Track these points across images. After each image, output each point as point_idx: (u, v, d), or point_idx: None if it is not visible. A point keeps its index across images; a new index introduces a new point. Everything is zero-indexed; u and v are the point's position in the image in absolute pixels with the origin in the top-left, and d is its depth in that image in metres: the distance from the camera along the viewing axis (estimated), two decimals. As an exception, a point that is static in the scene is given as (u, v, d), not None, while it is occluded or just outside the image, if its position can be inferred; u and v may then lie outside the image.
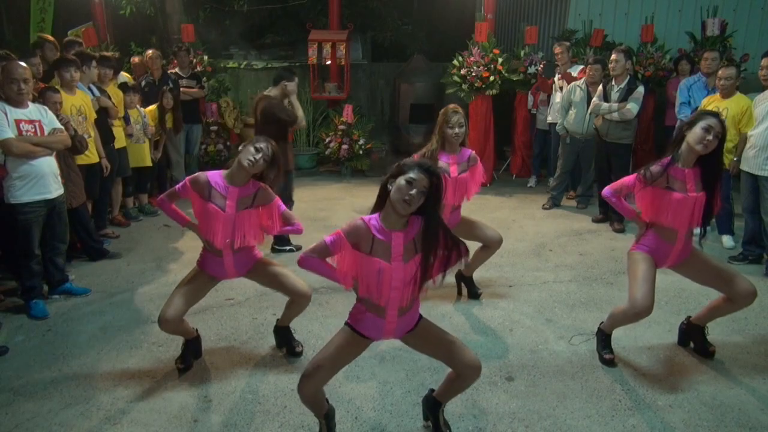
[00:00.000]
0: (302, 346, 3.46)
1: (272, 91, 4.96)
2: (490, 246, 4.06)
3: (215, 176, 3.06)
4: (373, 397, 3.01)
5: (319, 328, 3.75)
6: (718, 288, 3.23)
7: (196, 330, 3.37)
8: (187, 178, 3.10)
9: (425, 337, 2.53)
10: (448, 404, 2.79)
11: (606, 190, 3.28)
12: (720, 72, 5.06)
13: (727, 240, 5.36)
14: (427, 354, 2.61)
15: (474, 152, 3.99)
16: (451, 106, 3.85)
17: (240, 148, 3.04)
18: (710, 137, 2.96)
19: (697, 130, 2.99)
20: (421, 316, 2.54)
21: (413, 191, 2.20)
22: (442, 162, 3.80)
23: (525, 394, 3.05)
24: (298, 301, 3.28)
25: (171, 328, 3.08)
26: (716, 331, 3.59)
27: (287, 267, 3.35)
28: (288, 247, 5.19)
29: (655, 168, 3.10)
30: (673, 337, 3.59)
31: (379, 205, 2.34)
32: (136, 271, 4.74)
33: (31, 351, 3.49)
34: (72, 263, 4.77)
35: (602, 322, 3.45)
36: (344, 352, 2.47)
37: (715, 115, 3.06)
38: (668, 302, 4.11)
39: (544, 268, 4.83)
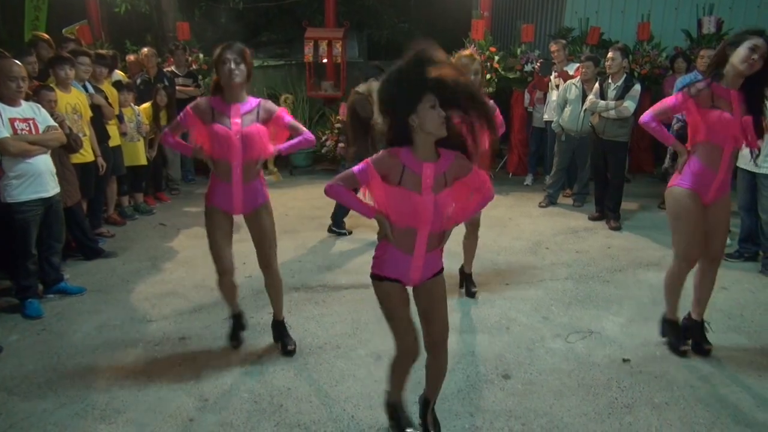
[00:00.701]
0: (295, 345, 3.43)
1: (361, 87, 5.13)
2: (469, 229, 4.04)
3: (214, 100, 3.08)
4: (370, 396, 3.00)
5: (315, 326, 3.73)
6: (709, 238, 3.23)
7: (238, 306, 3.49)
8: (188, 105, 3.12)
9: (437, 293, 2.43)
10: (444, 402, 2.79)
11: (645, 116, 3.20)
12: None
13: None
14: (422, 311, 2.47)
15: (492, 101, 3.85)
16: (466, 53, 3.68)
17: (213, 75, 3.05)
18: (756, 56, 2.88)
19: (741, 50, 2.92)
20: (443, 269, 2.46)
21: (443, 113, 2.11)
22: None
23: (521, 392, 3.04)
24: (267, 278, 3.30)
25: (230, 279, 3.23)
26: (713, 328, 3.59)
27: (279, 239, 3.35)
28: (344, 231, 5.45)
29: (699, 84, 3.05)
30: (670, 335, 3.59)
31: (402, 141, 2.22)
32: (131, 270, 4.72)
33: (25, 350, 3.47)
34: (67, 262, 4.74)
35: (664, 313, 3.48)
36: (393, 306, 2.39)
37: (761, 33, 2.96)
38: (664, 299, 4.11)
39: (541, 266, 4.83)
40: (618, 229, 5.77)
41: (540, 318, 3.89)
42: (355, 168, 2.26)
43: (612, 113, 5.64)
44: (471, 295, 4.20)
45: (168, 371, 3.23)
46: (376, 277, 2.39)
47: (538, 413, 2.87)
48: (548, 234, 5.64)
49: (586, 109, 5.96)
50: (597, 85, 5.85)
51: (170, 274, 4.64)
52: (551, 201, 6.67)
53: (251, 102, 3.10)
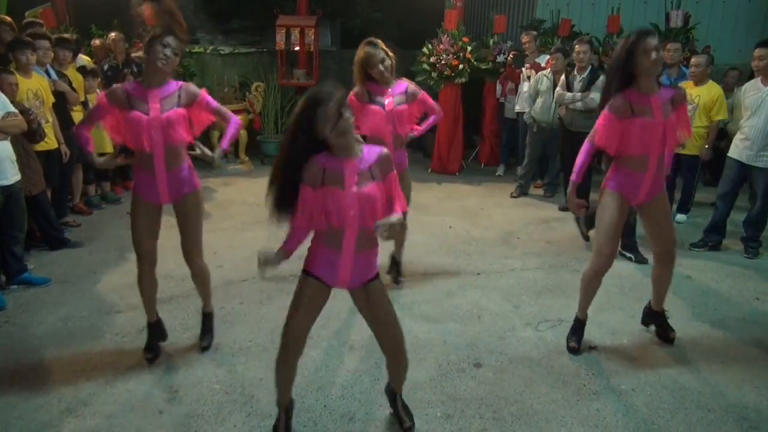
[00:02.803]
0: (210, 342, 3.35)
1: None
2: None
3: (131, 86, 2.95)
4: (342, 386, 3.00)
5: (287, 316, 3.71)
6: (654, 238, 3.30)
7: (157, 313, 3.31)
8: (102, 93, 2.95)
9: (374, 299, 2.41)
10: (416, 391, 2.81)
11: (586, 145, 3.18)
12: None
13: (680, 217, 5.73)
14: (367, 319, 2.48)
15: (414, 86, 3.85)
16: (365, 42, 3.67)
17: (143, 53, 2.93)
18: (656, 55, 2.91)
19: (643, 57, 2.91)
20: (378, 274, 2.46)
21: (342, 120, 2.13)
22: (376, 98, 3.71)
23: (492, 380, 3.08)
24: (191, 269, 3.22)
25: (150, 271, 3.11)
26: (677, 317, 3.69)
27: (204, 223, 3.24)
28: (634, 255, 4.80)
29: (616, 100, 3.03)
30: (636, 323, 3.67)
31: (318, 150, 2.24)
32: (98, 261, 4.62)
33: (-13, 343, 3.38)
34: (31, 253, 4.62)
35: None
36: (306, 304, 2.40)
37: (643, 32, 2.94)
38: (632, 288, 4.19)
39: (512, 255, 4.88)
40: None
41: (511, 307, 3.93)
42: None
43: (579, 105, 5.69)
44: (396, 282, 4.17)
45: (136, 363, 3.18)
46: (305, 272, 2.41)
47: (508, 401, 2.90)
48: (519, 224, 5.70)
49: (555, 102, 6.02)
50: (563, 77, 5.90)
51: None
52: (523, 191, 6.73)
53: (171, 85, 2.96)
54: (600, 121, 3.11)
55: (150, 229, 3.08)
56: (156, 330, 3.30)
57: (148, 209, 3.05)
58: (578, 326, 3.44)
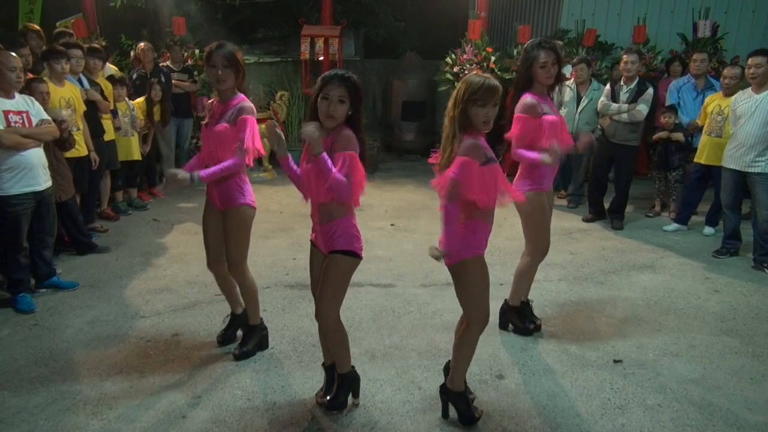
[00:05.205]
0: (240, 353, 3.32)
1: None
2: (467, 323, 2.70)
3: (215, 100, 3.19)
4: (363, 395, 2.99)
5: (309, 324, 3.72)
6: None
7: (242, 305, 3.44)
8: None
9: (325, 269, 2.61)
10: (437, 401, 2.79)
11: (517, 150, 3.57)
12: (725, 71, 5.24)
13: (708, 230, 5.67)
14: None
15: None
16: (481, 76, 2.49)
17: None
18: (550, 70, 3.36)
19: (537, 70, 3.36)
20: (348, 253, 2.58)
21: (331, 106, 2.42)
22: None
23: (515, 392, 3.05)
24: (232, 275, 3.28)
25: (218, 271, 3.28)
26: (705, 331, 3.61)
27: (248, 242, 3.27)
28: None
29: (527, 101, 3.46)
30: (662, 337, 3.61)
31: (314, 117, 2.52)
32: (124, 266, 4.69)
33: (17, 345, 3.44)
34: (60, 257, 4.72)
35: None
36: (311, 262, 2.76)
37: (540, 45, 3.35)
38: (657, 302, 4.13)
39: (535, 266, 4.82)
40: (621, 228, 5.80)
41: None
42: None
43: (624, 117, 5.59)
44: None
45: (160, 368, 3.22)
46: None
47: (531, 414, 2.87)
48: (542, 235, 5.64)
49: (597, 111, 5.92)
50: (608, 87, 5.79)
51: (163, 270, 4.61)
52: (546, 202, 6.66)
53: (234, 102, 3.07)
54: (520, 127, 3.50)
55: (212, 229, 3.25)
56: (234, 320, 3.49)
57: (212, 209, 3.24)
58: (521, 312, 3.69)
